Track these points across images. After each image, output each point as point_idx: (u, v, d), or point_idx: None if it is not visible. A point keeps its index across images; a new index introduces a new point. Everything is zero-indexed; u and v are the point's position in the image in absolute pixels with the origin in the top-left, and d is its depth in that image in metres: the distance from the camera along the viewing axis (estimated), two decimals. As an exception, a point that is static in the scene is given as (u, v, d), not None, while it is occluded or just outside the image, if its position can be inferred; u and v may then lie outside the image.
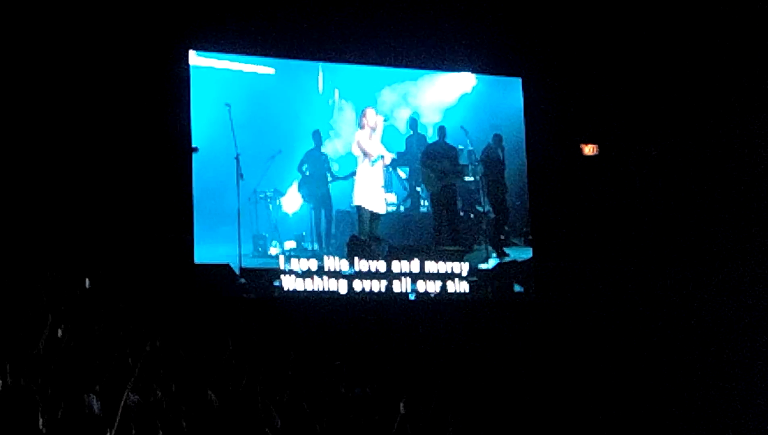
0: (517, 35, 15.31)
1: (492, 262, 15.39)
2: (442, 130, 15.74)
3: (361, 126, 15.28)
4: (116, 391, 7.36)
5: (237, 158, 14.65)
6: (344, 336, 13.30)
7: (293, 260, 14.52)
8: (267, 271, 14.52)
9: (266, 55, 14.93)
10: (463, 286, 14.85)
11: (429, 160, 15.60)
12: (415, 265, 14.74)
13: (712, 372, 14.78)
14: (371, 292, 14.46)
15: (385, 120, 15.25)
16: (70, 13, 13.29)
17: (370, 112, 15.30)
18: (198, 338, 11.45)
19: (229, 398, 8.99)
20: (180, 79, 14.07)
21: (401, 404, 10.71)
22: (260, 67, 15.13)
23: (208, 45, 14.40)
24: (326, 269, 14.50)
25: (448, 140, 15.73)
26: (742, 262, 15.28)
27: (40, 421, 6.69)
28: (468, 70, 15.58)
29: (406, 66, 15.49)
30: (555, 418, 13.67)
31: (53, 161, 13.07)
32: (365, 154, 15.20)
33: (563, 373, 14.29)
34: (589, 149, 15.63)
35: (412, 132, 15.93)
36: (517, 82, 15.61)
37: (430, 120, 15.79)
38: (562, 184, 15.42)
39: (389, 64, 15.37)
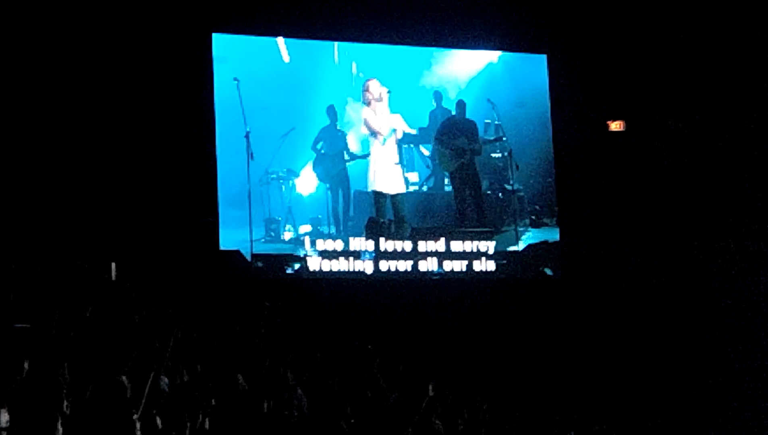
0: (542, 12, 15.00)
1: (522, 244, 14.85)
2: (461, 105, 15.14)
3: (366, 102, 14.40)
4: (144, 375, 7.18)
5: (247, 136, 13.88)
6: (370, 316, 13.01)
7: (318, 241, 13.87)
8: (284, 256, 13.91)
9: (286, 35, 14.37)
10: (490, 265, 14.25)
11: (444, 138, 15.03)
12: (440, 245, 14.12)
13: (740, 352, 14.50)
14: (397, 271, 13.92)
15: (388, 91, 14.31)
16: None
17: (373, 85, 14.41)
18: (224, 322, 11.23)
19: (258, 381, 8.79)
20: (203, 62, 13.67)
21: (430, 387, 10.45)
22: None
23: (229, 27, 13.92)
24: (352, 250, 13.96)
25: (469, 114, 15.11)
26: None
27: (65, 403, 6.52)
28: (493, 48, 15.25)
29: (430, 45, 15.05)
30: (578, 395, 13.45)
31: (80, 150, 12.86)
32: (374, 133, 14.37)
33: (591, 352, 14.05)
34: (615, 125, 15.24)
35: (435, 106, 15.33)
36: (542, 59, 15.11)
37: (453, 93, 15.33)
38: (588, 161, 15.03)
39: (413, 44, 14.89)
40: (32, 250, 12.13)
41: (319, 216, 14.67)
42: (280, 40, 14.54)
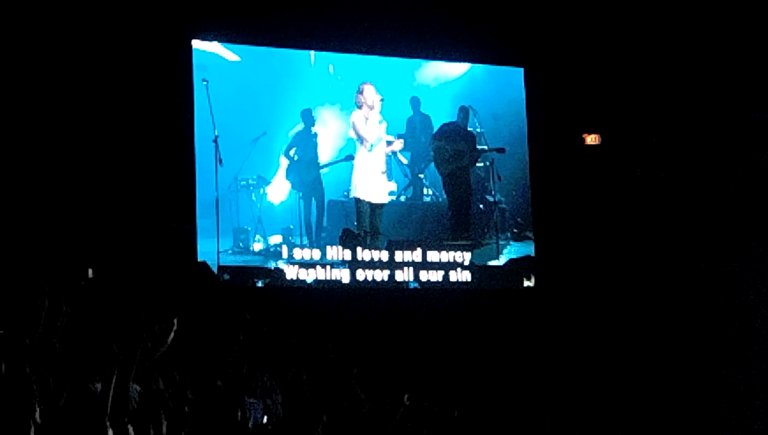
0: (519, 25, 14.98)
1: (504, 259, 14.68)
2: (464, 111, 14.83)
3: (358, 105, 14.11)
4: (121, 381, 7.06)
5: (215, 141, 13.42)
6: (346, 325, 12.88)
7: (296, 250, 13.61)
8: (253, 269, 13.42)
9: (265, 44, 14.13)
10: (466, 276, 14.03)
11: (444, 138, 14.74)
12: (417, 255, 13.90)
13: (717, 367, 14.50)
14: (374, 281, 13.65)
15: (381, 99, 14.00)
16: (72, 3, 12.88)
17: (368, 90, 14.08)
18: (199, 329, 11.08)
19: (234, 388, 8.66)
20: (182, 68, 13.47)
21: (405, 397, 10.33)
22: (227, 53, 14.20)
23: (210, 34, 13.71)
24: (328, 259, 13.72)
25: (448, 119, 14.82)
26: (746, 254, 15.03)
27: (37, 411, 6.37)
28: (470, 61, 15.13)
29: (405, 56, 14.90)
30: (556, 409, 13.39)
31: (55, 154, 12.69)
32: (361, 139, 14.07)
33: (567, 365, 14.02)
34: (591, 139, 15.21)
35: (413, 112, 15.04)
36: (518, 72, 15.03)
37: (431, 99, 15.03)
38: (564, 175, 14.99)
39: (388, 54, 14.73)
40: (6, 256, 11.98)
41: (291, 226, 14.21)
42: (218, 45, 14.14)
